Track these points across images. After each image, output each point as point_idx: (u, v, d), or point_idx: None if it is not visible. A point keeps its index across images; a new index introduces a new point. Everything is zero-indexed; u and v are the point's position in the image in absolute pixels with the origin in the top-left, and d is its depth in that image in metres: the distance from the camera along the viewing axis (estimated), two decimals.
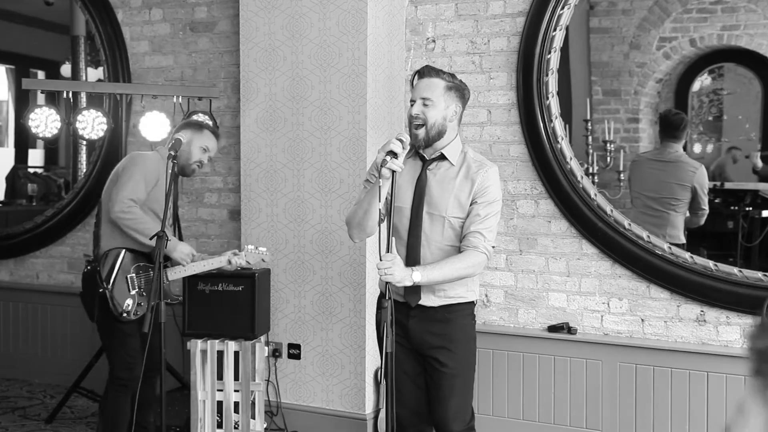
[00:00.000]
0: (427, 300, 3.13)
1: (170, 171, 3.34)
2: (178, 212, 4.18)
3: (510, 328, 4.61)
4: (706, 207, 5.10)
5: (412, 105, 3.11)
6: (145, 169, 3.82)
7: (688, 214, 5.10)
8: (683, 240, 5.05)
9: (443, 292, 3.12)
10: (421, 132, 3.07)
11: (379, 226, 3.07)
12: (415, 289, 3.10)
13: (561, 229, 4.52)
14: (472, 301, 3.23)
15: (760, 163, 6.34)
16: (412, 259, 3.08)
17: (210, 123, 4.32)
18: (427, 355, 3.15)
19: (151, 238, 3.49)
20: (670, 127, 5.19)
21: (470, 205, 3.08)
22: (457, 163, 3.14)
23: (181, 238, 4.16)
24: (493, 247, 3.13)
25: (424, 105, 3.07)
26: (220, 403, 4.44)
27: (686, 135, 5.16)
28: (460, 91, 3.15)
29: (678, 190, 5.06)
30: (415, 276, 2.93)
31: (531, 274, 4.59)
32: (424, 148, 3.11)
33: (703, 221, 5.13)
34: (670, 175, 5.11)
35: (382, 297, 3.10)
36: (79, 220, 5.75)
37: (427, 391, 3.21)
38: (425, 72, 3.14)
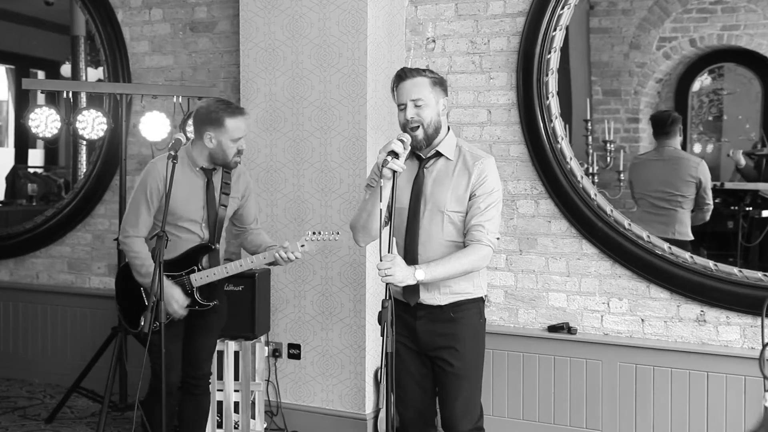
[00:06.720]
0: (433, 298, 3.11)
1: (170, 172, 3.33)
2: (218, 215, 3.70)
3: (510, 328, 4.61)
4: (710, 201, 5.16)
5: (402, 110, 3.08)
6: (147, 183, 3.64)
7: (693, 212, 5.13)
8: (691, 236, 5.08)
9: (448, 288, 3.10)
10: (420, 133, 3.06)
11: (381, 231, 3.06)
12: (413, 288, 3.08)
13: (561, 229, 4.52)
14: (480, 298, 3.20)
15: (743, 161, 6.30)
16: (409, 258, 3.07)
17: (222, 103, 3.65)
18: (434, 355, 3.14)
19: (151, 238, 3.47)
20: (659, 125, 5.32)
21: (470, 198, 3.07)
22: (453, 157, 3.14)
23: (212, 242, 3.70)
24: (498, 238, 3.12)
25: (416, 106, 3.06)
26: (220, 403, 4.45)
27: (679, 130, 5.23)
28: (443, 83, 3.16)
29: (682, 186, 5.10)
30: (419, 274, 2.92)
31: (531, 274, 4.59)
32: (425, 147, 3.11)
33: (708, 216, 5.17)
34: (673, 172, 5.15)
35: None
36: (79, 220, 5.75)
37: (434, 391, 3.21)
38: (405, 74, 3.10)
